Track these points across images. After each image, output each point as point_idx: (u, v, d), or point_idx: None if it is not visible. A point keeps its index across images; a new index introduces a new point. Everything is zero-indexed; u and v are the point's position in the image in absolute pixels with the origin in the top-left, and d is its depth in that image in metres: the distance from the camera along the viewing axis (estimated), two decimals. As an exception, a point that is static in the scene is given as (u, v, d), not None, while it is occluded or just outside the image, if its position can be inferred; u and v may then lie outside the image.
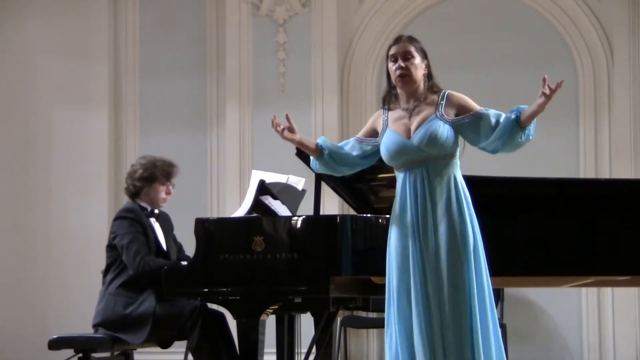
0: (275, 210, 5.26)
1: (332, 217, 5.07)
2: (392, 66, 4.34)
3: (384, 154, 4.36)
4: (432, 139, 4.23)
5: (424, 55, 4.37)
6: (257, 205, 5.24)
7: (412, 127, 4.31)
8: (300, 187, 5.56)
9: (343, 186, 5.45)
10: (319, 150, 4.49)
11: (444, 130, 4.25)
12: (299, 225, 4.95)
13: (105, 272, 5.74)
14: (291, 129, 4.48)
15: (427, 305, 4.18)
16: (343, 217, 5.05)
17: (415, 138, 4.27)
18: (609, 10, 7.87)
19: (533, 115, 4.15)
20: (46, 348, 5.62)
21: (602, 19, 7.90)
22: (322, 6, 8.17)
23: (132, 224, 5.61)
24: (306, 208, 5.32)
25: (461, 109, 4.30)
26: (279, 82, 8.21)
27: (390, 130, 4.35)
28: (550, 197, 5.20)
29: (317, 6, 8.18)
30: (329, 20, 8.18)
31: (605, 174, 7.73)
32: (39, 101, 8.64)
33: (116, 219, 5.71)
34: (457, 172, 4.31)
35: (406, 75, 4.30)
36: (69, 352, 5.57)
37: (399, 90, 4.38)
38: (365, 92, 8.29)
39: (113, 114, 8.59)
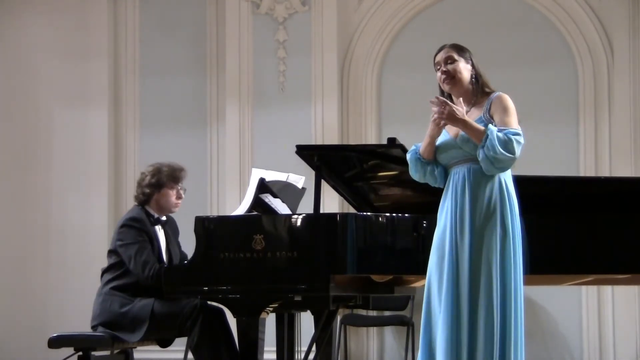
0: (275, 209, 5.26)
1: (332, 215, 5.07)
2: (438, 74, 4.42)
3: (437, 154, 4.41)
4: (472, 140, 4.25)
5: (468, 59, 4.42)
6: (257, 203, 5.23)
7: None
8: (300, 186, 5.56)
9: (343, 185, 5.44)
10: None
11: None
12: (299, 223, 4.95)
13: (104, 273, 5.71)
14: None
15: (457, 305, 4.18)
16: (343, 215, 5.04)
17: (460, 137, 4.31)
18: (609, 8, 7.87)
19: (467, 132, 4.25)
20: (46, 346, 5.61)
21: (602, 17, 7.91)
22: (322, 4, 8.18)
23: (139, 233, 5.57)
24: (306, 206, 5.32)
25: (494, 115, 4.31)
26: (279, 81, 8.20)
27: (444, 131, 4.39)
28: (549, 195, 5.20)
29: (317, 4, 8.18)
30: (329, 19, 8.18)
31: (605, 172, 7.73)
32: (39, 100, 8.64)
33: (122, 226, 5.64)
34: (506, 175, 4.31)
35: (451, 77, 4.37)
36: (69, 350, 5.57)
37: (453, 97, 4.42)
38: (365, 90, 8.29)
39: (113, 112, 8.59)
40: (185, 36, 8.56)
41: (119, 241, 5.61)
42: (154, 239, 5.63)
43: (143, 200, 5.72)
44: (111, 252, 5.68)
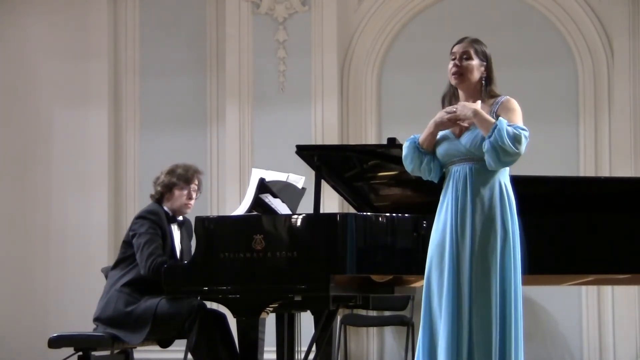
0: (275, 209, 5.26)
1: (332, 216, 5.06)
2: (450, 64, 4.41)
3: (437, 150, 4.40)
4: (477, 140, 4.26)
5: (484, 59, 4.43)
6: (257, 203, 5.23)
7: (464, 127, 4.34)
8: (300, 186, 5.56)
9: (343, 185, 5.44)
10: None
11: None
12: (299, 223, 4.95)
13: (114, 267, 5.75)
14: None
15: (458, 304, 4.19)
16: (343, 215, 5.04)
17: (464, 138, 4.31)
18: (609, 9, 7.88)
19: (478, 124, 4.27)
20: (46, 346, 5.62)
21: (602, 17, 7.91)
22: (322, 4, 8.18)
23: (152, 225, 5.63)
24: (306, 206, 5.32)
25: (501, 116, 4.31)
26: (279, 81, 8.21)
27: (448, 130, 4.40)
28: (549, 195, 5.20)
29: (317, 4, 8.19)
30: (329, 19, 8.18)
31: (605, 172, 7.73)
32: (39, 100, 8.64)
33: (138, 217, 5.73)
34: (505, 176, 4.33)
35: (460, 74, 4.37)
36: (69, 350, 5.57)
37: (459, 91, 4.43)
38: (365, 90, 8.29)
39: (113, 112, 8.60)
40: (185, 36, 8.56)
41: (132, 231, 5.68)
42: (167, 235, 5.68)
43: (157, 199, 5.81)
44: (124, 243, 5.75)
